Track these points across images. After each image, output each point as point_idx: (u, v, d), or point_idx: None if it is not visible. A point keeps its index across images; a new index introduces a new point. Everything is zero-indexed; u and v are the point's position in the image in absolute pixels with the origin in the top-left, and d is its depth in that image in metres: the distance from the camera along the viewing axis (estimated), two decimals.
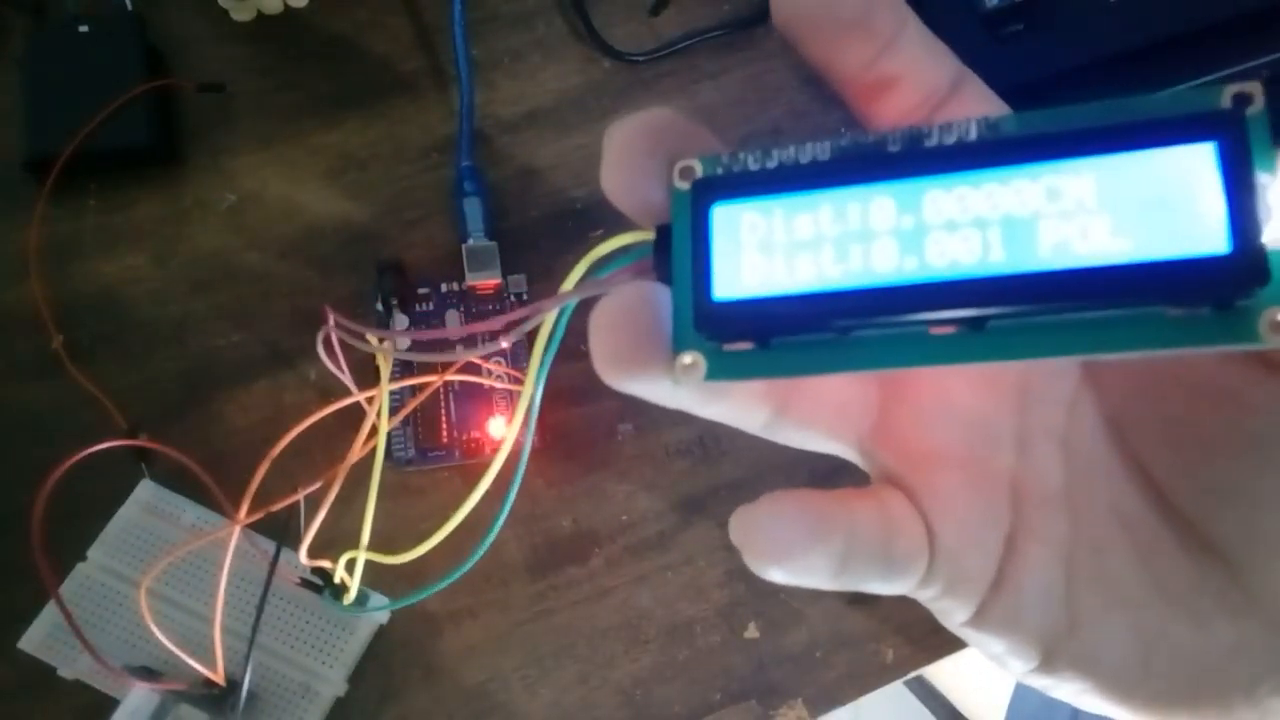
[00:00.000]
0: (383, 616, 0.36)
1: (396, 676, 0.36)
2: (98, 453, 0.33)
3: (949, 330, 0.14)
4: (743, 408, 0.18)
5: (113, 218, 0.42)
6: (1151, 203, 0.13)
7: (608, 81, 0.46)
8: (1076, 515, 0.19)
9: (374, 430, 0.32)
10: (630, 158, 0.16)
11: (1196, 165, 0.13)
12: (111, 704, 0.33)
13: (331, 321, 0.29)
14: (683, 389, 0.16)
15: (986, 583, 0.19)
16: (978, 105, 0.17)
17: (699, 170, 0.16)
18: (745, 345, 0.15)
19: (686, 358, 0.15)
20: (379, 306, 0.39)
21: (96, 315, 0.41)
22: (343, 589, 0.34)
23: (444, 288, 0.40)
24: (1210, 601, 0.18)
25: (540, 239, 0.42)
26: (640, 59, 0.46)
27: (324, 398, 0.38)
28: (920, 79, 0.17)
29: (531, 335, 0.20)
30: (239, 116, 0.44)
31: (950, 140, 0.14)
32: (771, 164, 0.15)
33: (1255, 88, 0.13)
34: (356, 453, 0.32)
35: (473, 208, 0.41)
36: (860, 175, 0.15)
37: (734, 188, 0.15)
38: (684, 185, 0.16)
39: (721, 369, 0.15)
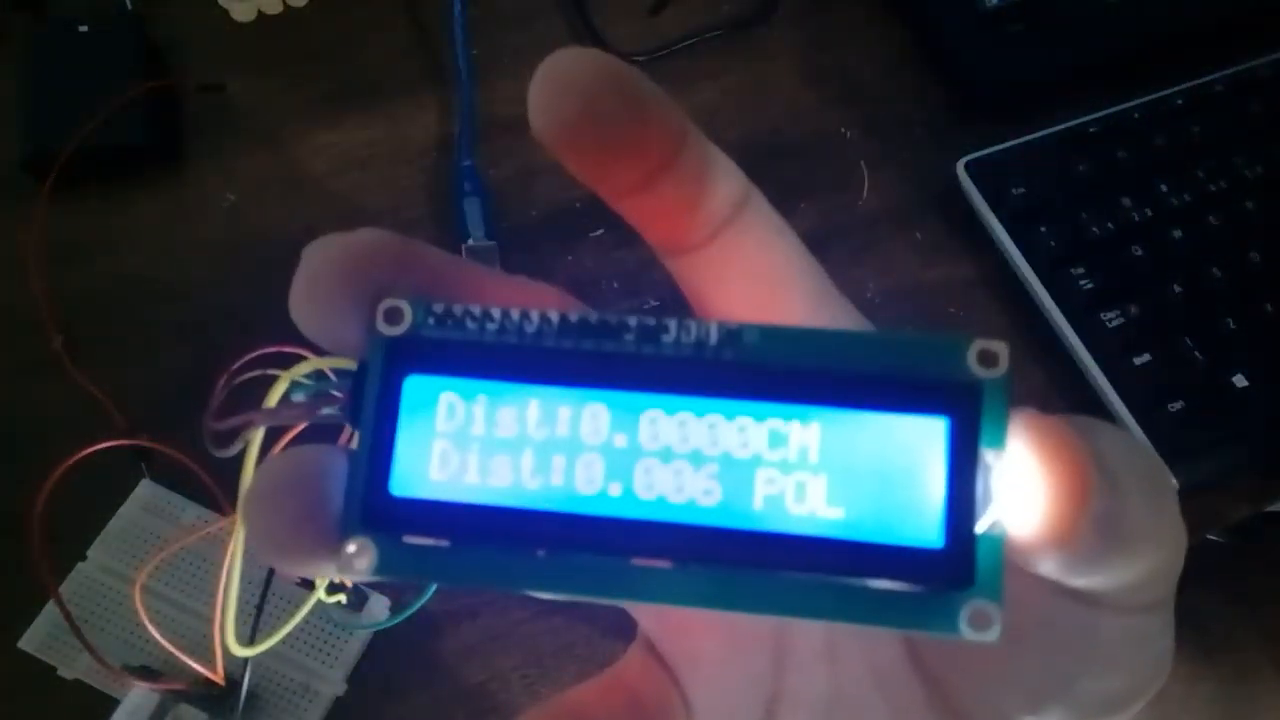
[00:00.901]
0: (381, 616, 0.36)
1: (396, 676, 0.36)
2: (98, 453, 0.33)
3: (652, 564, 0.13)
4: None
5: (113, 218, 0.42)
6: (873, 471, 0.13)
7: None
8: (836, 673, 0.18)
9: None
10: (325, 287, 0.14)
11: (924, 440, 0.13)
12: (111, 704, 0.33)
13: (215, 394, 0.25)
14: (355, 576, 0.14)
15: None
16: (759, 231, 0.16)
17: (407, 315, 0.14)
18: (427, 542, 0.14)
19: (352, 546, 0.13)
20: None
21: (96, 315, 0.40)
22: (339, 588, 0.34)
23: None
24: None
25: (540, 239, 0.42)
26: (640, 59, 0.46)
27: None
28: (698, 202, 0.15)
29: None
30: (239, 116, 0.44)
31: (688, 341, 0.13)
32: (490, 329, 0.14)
33: (1001, 349, 0.13)
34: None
35: (473, 208, 0.41)
36: (580, 374, 0.13)
37: (436, 359, 0.14)
38: (387, 330, 0.14)
39: (395, 564, 0.13)
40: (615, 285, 0.42)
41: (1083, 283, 0.40)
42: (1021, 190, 0.42)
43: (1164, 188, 0.42)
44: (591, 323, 0.14)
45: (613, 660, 0.39)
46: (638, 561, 0.13)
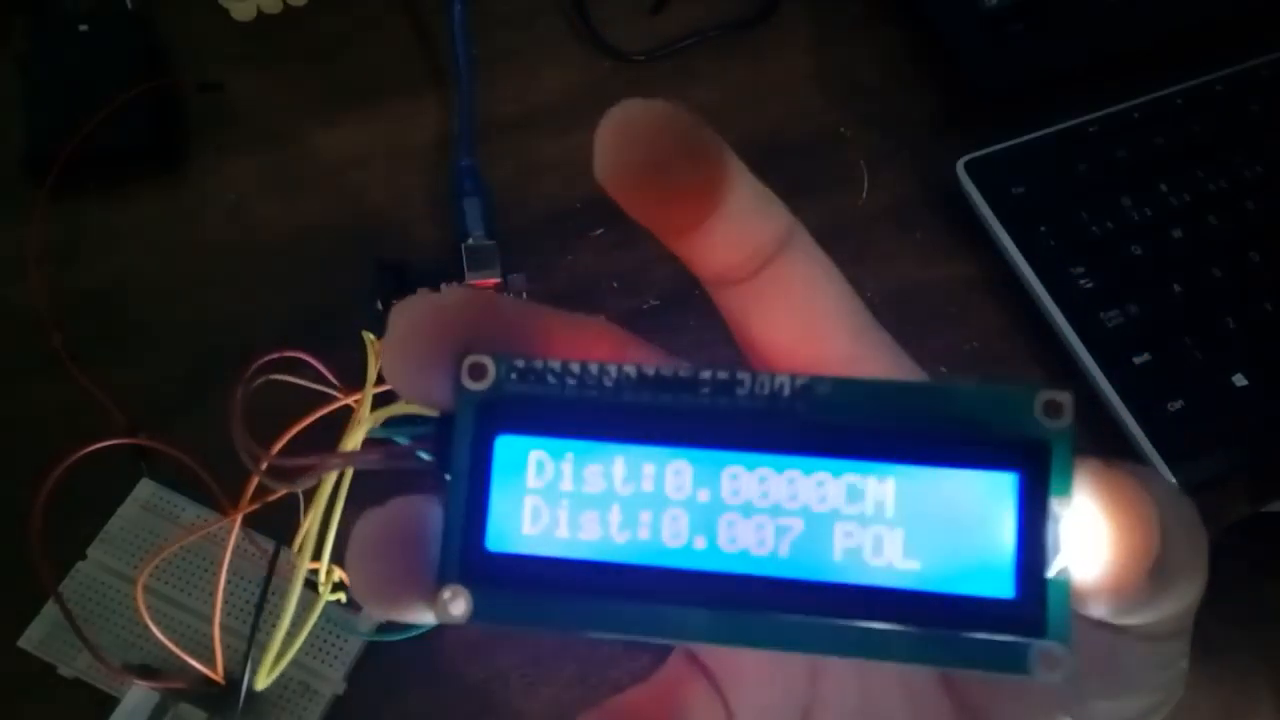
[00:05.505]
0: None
1: (396, 676, 0.36)
2: (98, 452, 0.33)
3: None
4: None
5: (113, 218, 0.42)
6: (947, 524, 0.14)
7: (608, 81, 0.46)
8: (867, 686, 0.19)
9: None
10: (415, 344, 0.15)
11: (995, 494, 0.14)
12: (111, 702, 0.33)
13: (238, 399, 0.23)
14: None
15: None
16: (803, 265, 0.17)
17: (491, 370, 0.14)
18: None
19: (447, 593, 0.14)
20: (378, 306, 0.39)
21: (96, 315, 0.41)
22: (339, 588, 0.34)
23: (443, 287, 0.40)
24: None
25: (540, 239, 0.42)
26: (640, 58, 0.46)
27: (324, 398, 0.38)
28: (746, 239, 0.16)
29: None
30: (239, 116, 0.44)
31: (762, 394, 0.14)
32: (570, 385, 0.14)
33: (1066, 399, 0.14)
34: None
35: (472, 207, 0.41)
36: (662, 432, 0.14)
37: (524, 419, 0.14)
38: (473, 385, 0.14)
39: (489, 611, 0.14)
40: (615, 285, 0.42)
41: (1083, 282, 0.40)
42: (1021, 190, 0.42)
43: (1164, 188, 0.42)
44: (667, 376, 0.14)
45: (612, 661, 0.39)
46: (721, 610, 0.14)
